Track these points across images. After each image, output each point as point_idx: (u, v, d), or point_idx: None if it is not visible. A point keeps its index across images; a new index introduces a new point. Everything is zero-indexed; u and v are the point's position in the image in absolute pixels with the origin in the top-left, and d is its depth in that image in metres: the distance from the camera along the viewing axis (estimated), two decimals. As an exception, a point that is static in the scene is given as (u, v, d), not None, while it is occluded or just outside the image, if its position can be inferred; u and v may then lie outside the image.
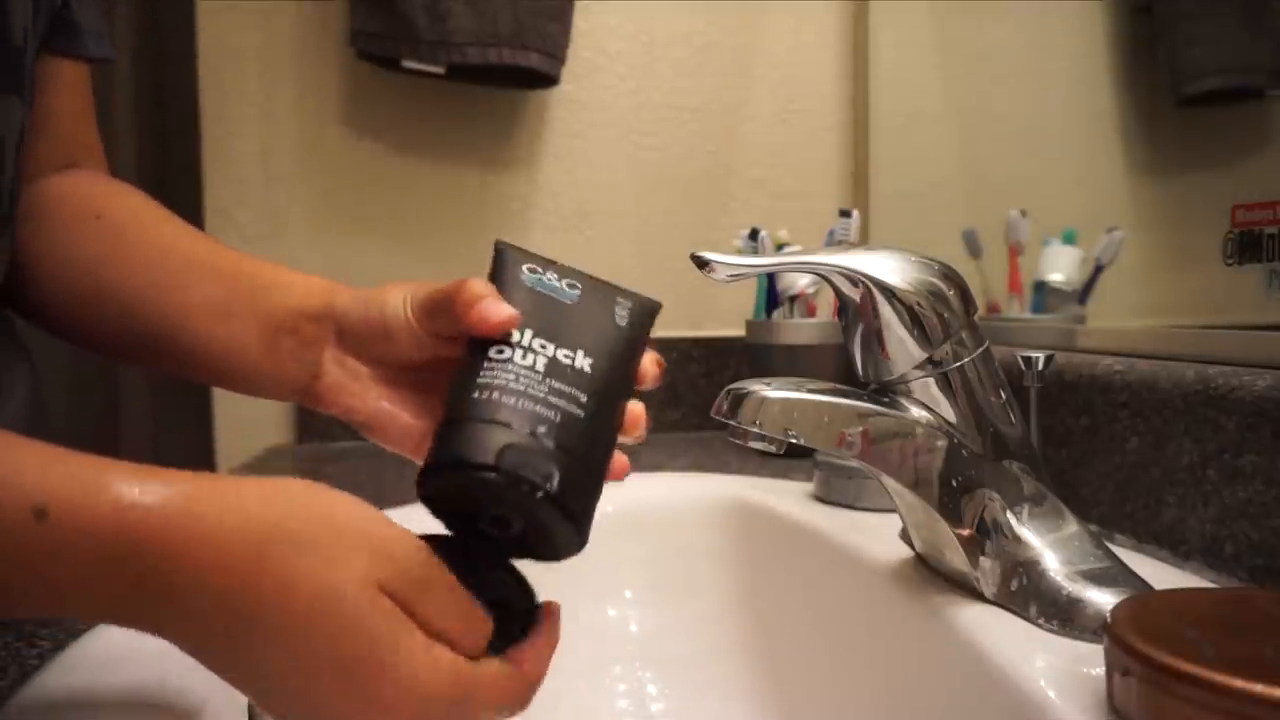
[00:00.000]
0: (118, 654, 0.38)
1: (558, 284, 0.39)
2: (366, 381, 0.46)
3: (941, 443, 0.41)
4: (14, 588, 0.29)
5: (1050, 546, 0.41)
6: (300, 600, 0.30)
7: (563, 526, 0.34)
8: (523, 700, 0.37)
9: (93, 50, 0.58)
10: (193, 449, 1.01)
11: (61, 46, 0.56)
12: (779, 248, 0.94)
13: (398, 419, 0.45)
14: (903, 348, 0.41)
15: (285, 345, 0.47)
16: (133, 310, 0.50)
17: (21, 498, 0.28)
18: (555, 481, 0.33)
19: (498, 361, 0.35)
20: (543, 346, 0.35)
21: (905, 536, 0.48)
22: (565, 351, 0.35)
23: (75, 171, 0.57)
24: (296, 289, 0.49)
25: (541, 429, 0.33)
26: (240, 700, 0.38)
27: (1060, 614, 0.39)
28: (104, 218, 0.54)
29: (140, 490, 0.30)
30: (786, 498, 0.63)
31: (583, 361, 0.35)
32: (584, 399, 0.34)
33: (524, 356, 0.35)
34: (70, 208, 0.54)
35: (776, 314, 0.93)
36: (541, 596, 0.39)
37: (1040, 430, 0.53)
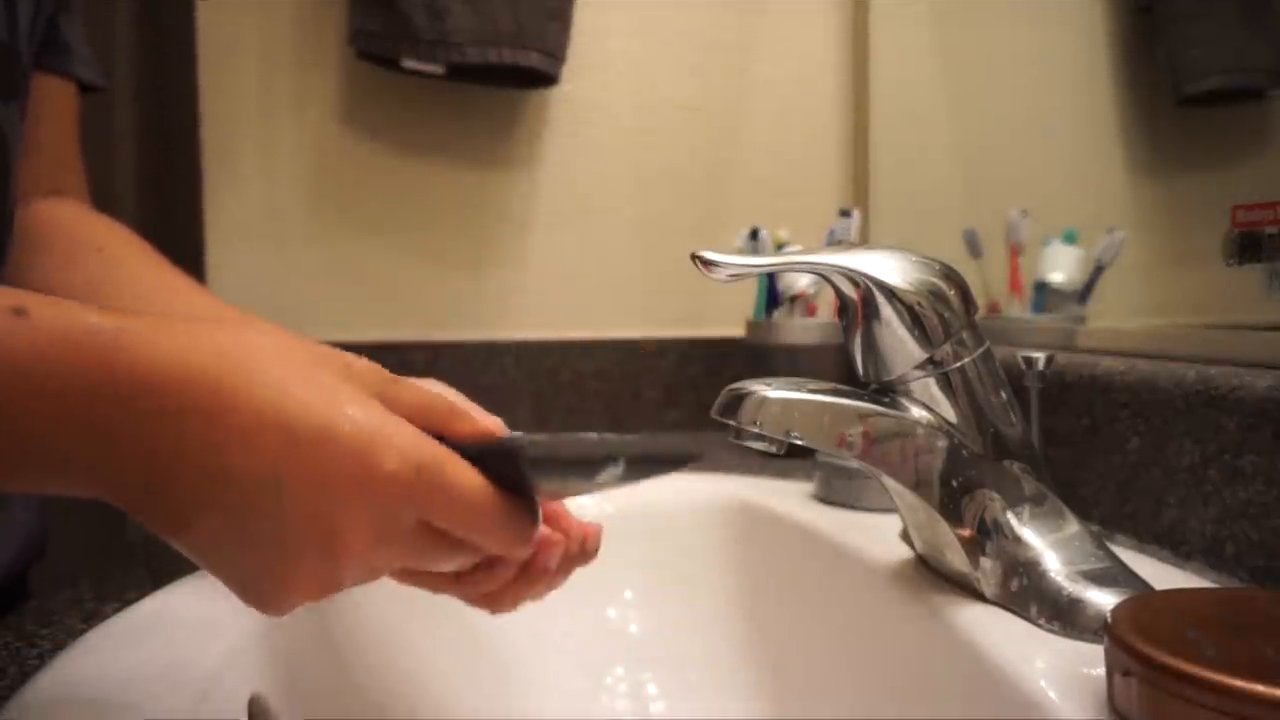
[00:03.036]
0: (118, 653, 0.38)
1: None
2: None
3: (942, 443, 0.41)
4: None
5: (1051, 547, 0.41)
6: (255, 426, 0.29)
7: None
8: (508, 532, 0.33)
9: (81, 72, 0.58)
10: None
11: (52, 64, 0.56)
12: (779, 248, 0.94)
13: None
14: (903, 348, 0.41)
15: None
16: None
17: (2, 296, 0.28)
18: None
19: None
20: None
21: (905, 536, 0.48)
22: None
23: (62, 201, 0.57)
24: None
25: None
26: (240, 700, 0.38)
27: (1061, 614, 0.39)
28: (105, 250, 0.54)
29: (117, 316, 0.29)
30: (786, 498, 0.63)
31: None
32: None
33: None
34: (66, 240, 0.54)
35: (776, 314, 0.93)
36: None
37: (1041, 430, 0.53)
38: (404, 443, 0.30)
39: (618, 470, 0.32)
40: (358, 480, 0.29)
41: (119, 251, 0.54)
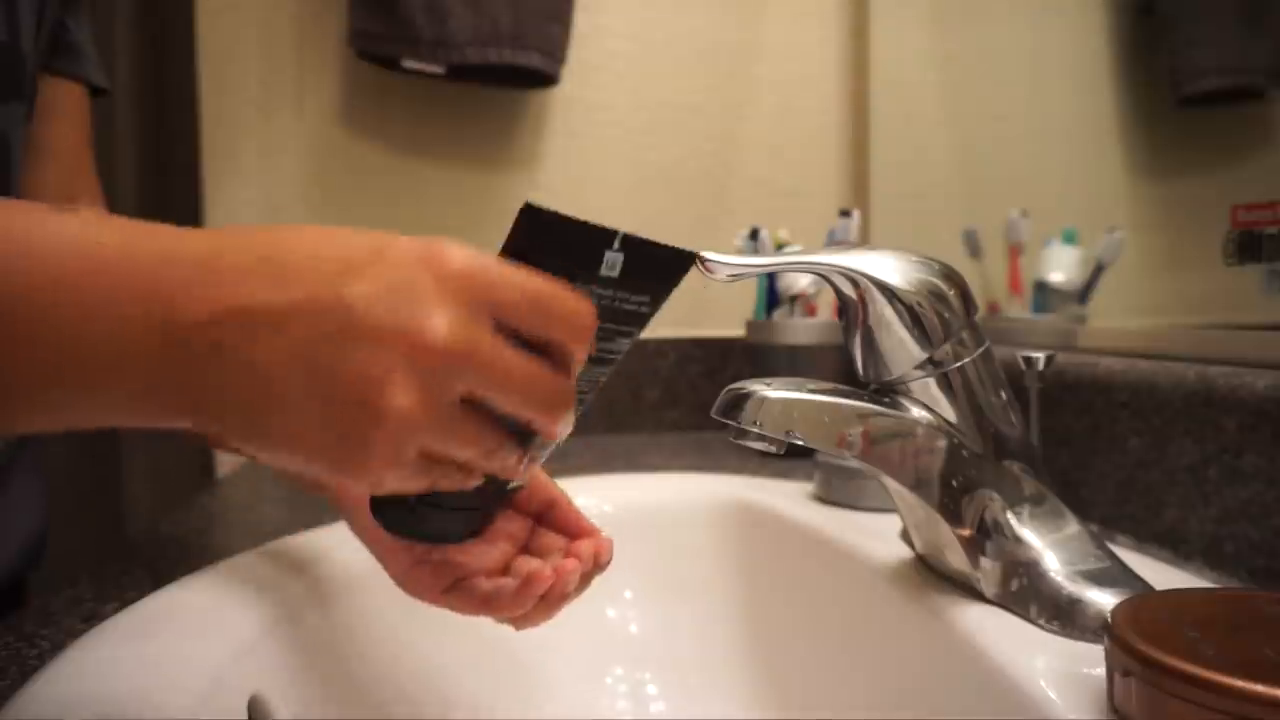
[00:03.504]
0: (118, 653, 0.38)
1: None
2: None
3: (942, 443, 0.41)
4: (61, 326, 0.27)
5: (1051, 547, 0.41)
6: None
7: None
8: (573, 312, 0.30)
9: (94, 76, 0.58)
10: (191, 450, 1.01)
11: (63, 67, 0.56)
12: (779, 248, 0.94)
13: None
14: (903, 348, 0.41)
15: None
16: None
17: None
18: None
19: None
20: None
21: (905, 536, 0.48)
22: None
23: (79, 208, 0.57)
24: None
25: None
26: (240, 701, 0.38)
27: (1061, 614, 0.39)
28: None
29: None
30: (786, 498, 0.63)
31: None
32: None
33: None
34: None
35: (776, 314, 0.93)
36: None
37: (1041, 430, 0.53)
38: (461, 244, 0.29)
39: (618, 258, 0.32)
40: (428, 272, 0.28)
41: None
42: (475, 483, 0.33)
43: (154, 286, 0.28)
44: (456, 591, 0.41)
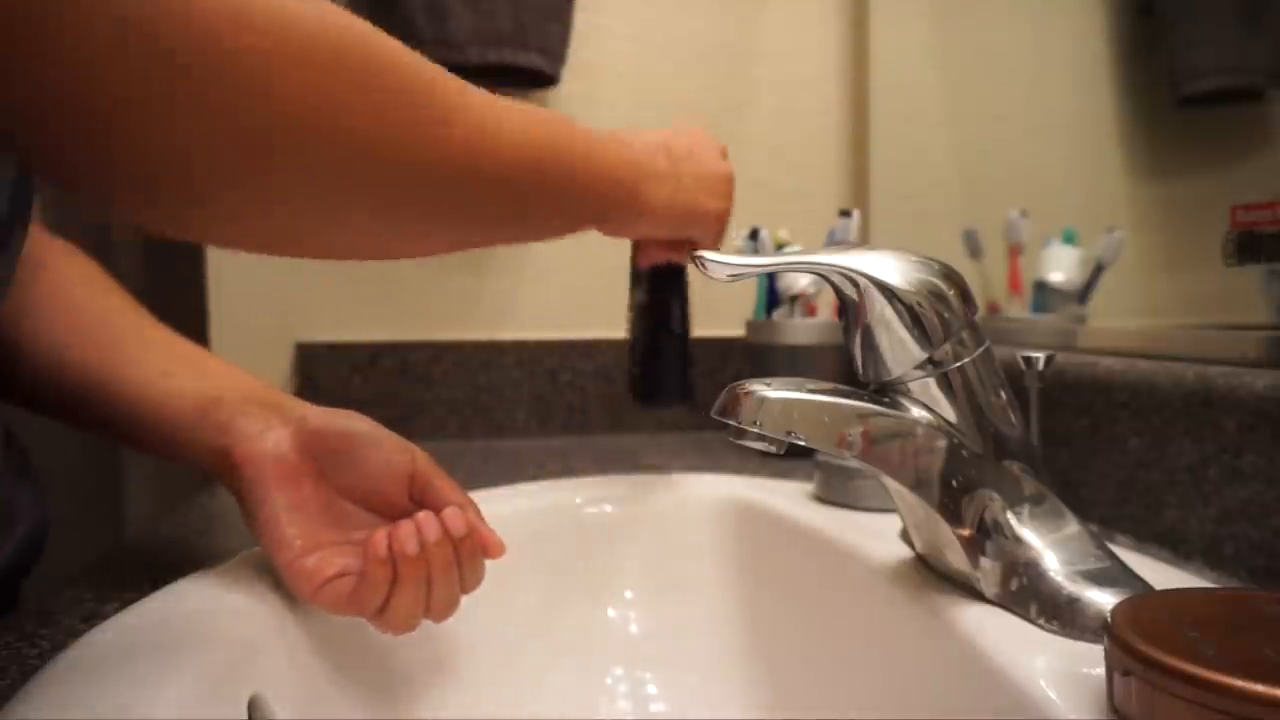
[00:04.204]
0: (117, 653, 0.38)
1: None
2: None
3: (941, 443, 0.41)
4: None
5: (1050, 547, 0.41)
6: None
7: None
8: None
9: None
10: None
11: None
12: (779, 248, 0.94)
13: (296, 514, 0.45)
14: (903, 348, 0.41)
15: (220, 414, 0.47)
16: (64, 359, 0.50)
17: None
18: None
19: None
20: None
21: (905, 536, 0.48)
22: None
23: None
24: (244, 381, 0.50)
25: None
26: (240, 701, 0.38)
27: (1060, 614, 0.39)
28: (47, 267, 0.53)
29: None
30: (786, 498, 0.63)
31: None
32: None
33: None
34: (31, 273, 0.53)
35: (776, 314, 0.93)
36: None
37: (1041, 430, 0.53)
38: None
39: None
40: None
41: (60, 271, 0.54)
42: None
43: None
44: (325, 590, 0.43)
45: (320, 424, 0.47)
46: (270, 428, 0.46)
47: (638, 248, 0.69)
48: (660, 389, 0.71)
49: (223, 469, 0.46)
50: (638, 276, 0.70)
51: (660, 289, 0.70)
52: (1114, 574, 0.40)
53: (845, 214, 0.94)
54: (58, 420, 0.53)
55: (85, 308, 0.53)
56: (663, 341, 0.70)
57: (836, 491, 0.61)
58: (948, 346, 0.41)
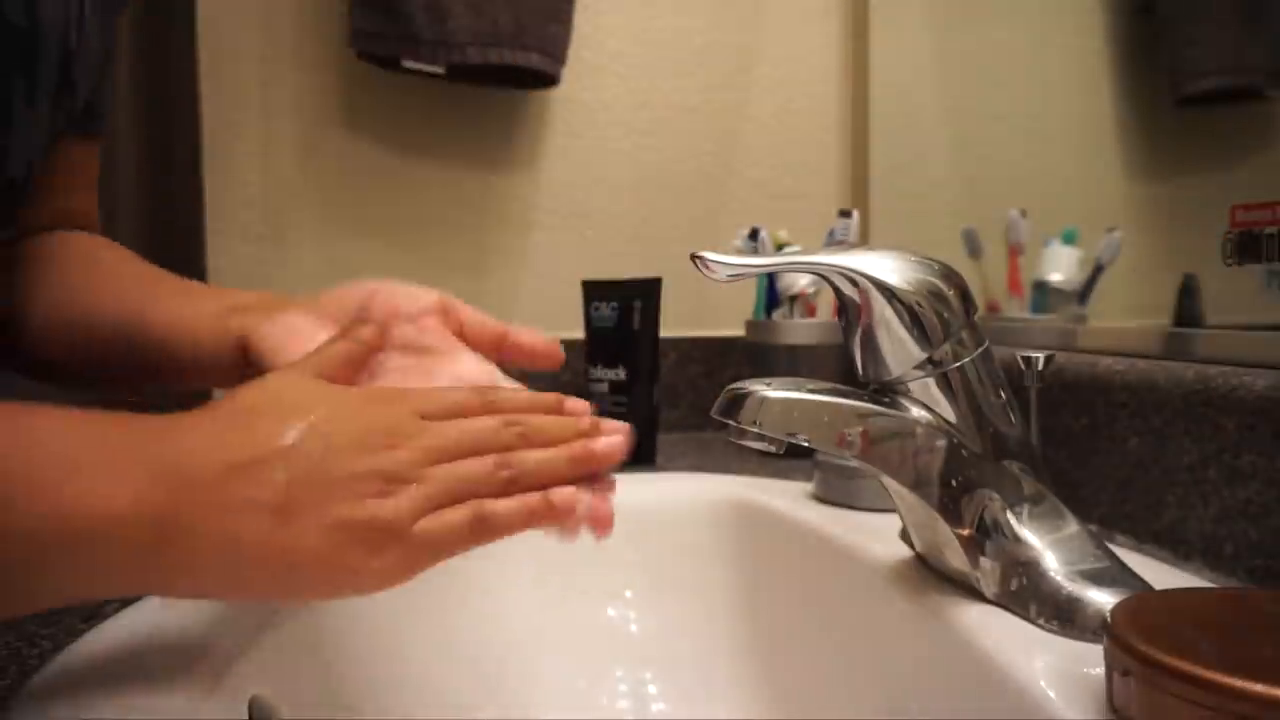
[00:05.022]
0: (118, 653, 0.38)
1: None
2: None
3: (941, 443, 0.41)
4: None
5: (1050, 546, 0.41)
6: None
7: None
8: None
9: (103, 128, 0.59)
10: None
11: (81, 128, 0.56)
12: (779, 248, 0.94)
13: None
14: (903, 348, 0.41)
15: (236, 320, 0.48)
16: (99, 307, 0.52)
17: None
18: None
19: None
20: None
21: (905, 536, 0.48)
22: None
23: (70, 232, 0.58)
24: (266, 294, 0.52)
25: None
26: (240, 701, 0.38)
27: (1060, 614, 0.39)
28: (86, 253, 0.56)
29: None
30: (786, 498, 0.63)
31: None
32: None
33: None
34: (64, 252, 0.56)
35: (776, 314, 0.93)
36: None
37: (1040, 430, 0.53)
38: None
39: None
40: None
41: (93, 250, 0.56)
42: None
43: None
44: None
45: (337, 294, 0.48)
46: (287, 311, 0.47)
47: None
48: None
49: (247, 356, 0.47)
50: None
51: None
52: (1114, 574, 0.40)
53: (845, 214, 0.94)
54: (85, 373, 0.54)
55: (116, 268, 0.55)
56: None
57: (836, 491, 0.61)
58: (947, 346, 0.41)
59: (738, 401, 0.39)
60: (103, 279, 0.54)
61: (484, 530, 0.34)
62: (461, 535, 0.34)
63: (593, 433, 0.39)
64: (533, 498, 0.36)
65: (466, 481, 0.35)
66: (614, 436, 0.39)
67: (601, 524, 0.37)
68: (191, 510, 0.31)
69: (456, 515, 0.34)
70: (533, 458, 0.37)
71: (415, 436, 0.35)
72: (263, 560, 0.32)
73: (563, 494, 0.36)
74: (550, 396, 0.41)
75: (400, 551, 0.33)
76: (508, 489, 0.36)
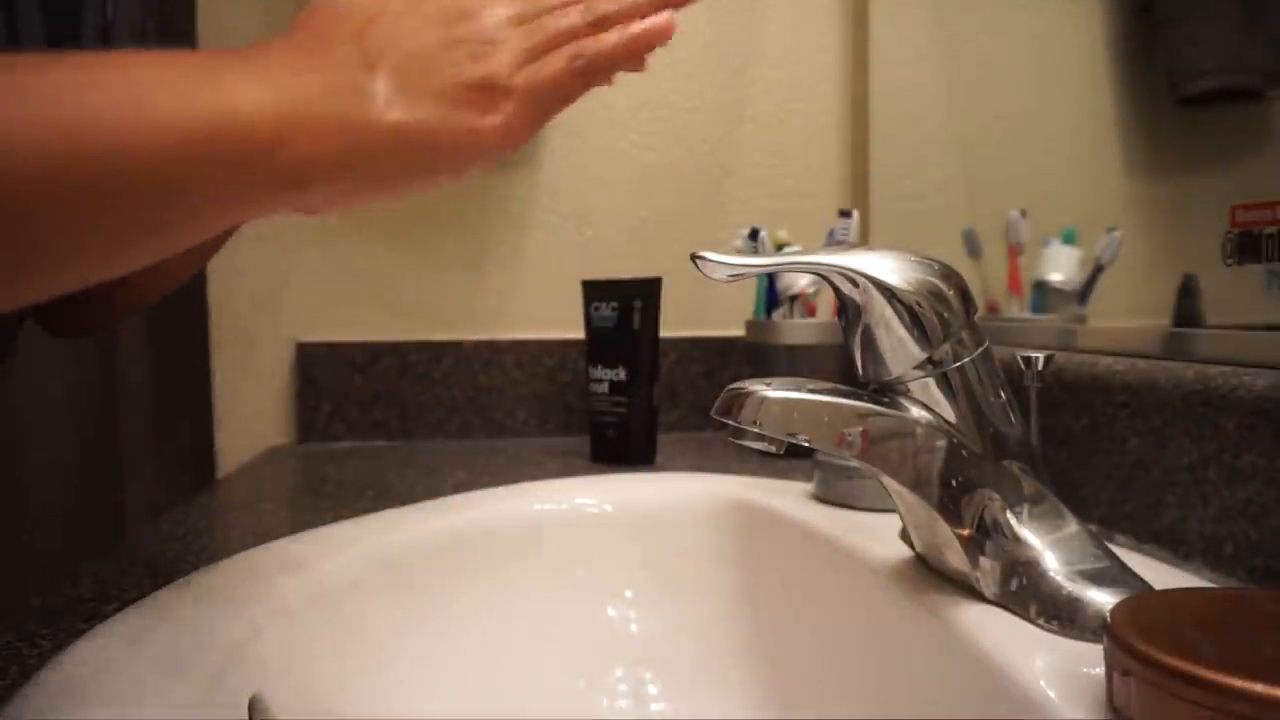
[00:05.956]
0: (118, 653, 0.38)
1: None
2: None
3: (941, 443, 0.41)
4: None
5: (1050, 546, 0.41)
6: None
7: None
8: None
9: None
10: (192, 448, 1.01)
11: None
12: (779, 248, 0.94)
13: None
14: (903, 348, 0.41)
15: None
16: None
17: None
18: None
19: None
20: None
21: (905, 536, 0.48)
22: None
23: None
24: None
25: None
26: (240, 700, 0.38)
27: (1060, 614, 0.39)
28: None
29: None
30: (786, 498, 0.63)
31: None
32: None
33: None
34: None
35: (776, 314, 0.93)
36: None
37: (1040, 430, 0.53)
38: None
39: None
40: None
41: None
42: None
43: None
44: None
45: None
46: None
47: None
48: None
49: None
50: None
51: None
52: (1113, 574, 0.40)
53: (845, 214, 0.94)
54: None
55: None
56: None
57: (836, 491, 0.61)
58: (947, 346, 0.41)
59: (737, 401, 0.39)
60: None
61: (587, 69, 0.39)
62: (565, 78, 0.38)
63: None
64: (632, 26, 0.39)
65: (556, 32, 0.37)
66: None
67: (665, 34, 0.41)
68: (306, 106, 0.33)
69: (557, 59, 0.37)
70: (613, 4, 0.40)
71: (490, 4, 0.37)
72: (381, 144, 0.35)
73: (657, 19, 0.40)
74: None
75: (511, 105, 0.36)
76: (596, 31, 0.39)
